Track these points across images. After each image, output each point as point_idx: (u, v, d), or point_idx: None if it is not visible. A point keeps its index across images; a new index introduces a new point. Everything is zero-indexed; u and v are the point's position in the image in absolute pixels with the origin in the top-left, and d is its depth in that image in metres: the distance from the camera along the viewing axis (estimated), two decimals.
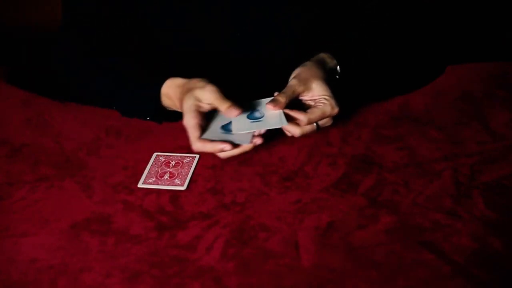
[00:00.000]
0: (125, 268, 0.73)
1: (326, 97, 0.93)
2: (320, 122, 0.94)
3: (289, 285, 0.70)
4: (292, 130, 0.92)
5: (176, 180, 0.89)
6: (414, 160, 0.91)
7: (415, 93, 1.09)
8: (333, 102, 0.93)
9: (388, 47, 1.10)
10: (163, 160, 0.93)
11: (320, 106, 0.93)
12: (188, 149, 0.96)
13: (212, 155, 0.94)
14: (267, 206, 0.83)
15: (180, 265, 0.73)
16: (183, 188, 0.87)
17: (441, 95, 1.08)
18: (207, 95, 0.91)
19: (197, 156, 0.94)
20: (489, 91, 1.09)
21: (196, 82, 0.93)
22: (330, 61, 1.02)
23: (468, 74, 1.14)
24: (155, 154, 0.95)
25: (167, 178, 0.89)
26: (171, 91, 0.96)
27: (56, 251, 0.76)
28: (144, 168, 0.91)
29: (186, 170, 0.91)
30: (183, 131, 1.00)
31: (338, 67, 1.02)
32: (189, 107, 0.90)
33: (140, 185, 0.88)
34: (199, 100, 0.91)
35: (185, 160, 0.93)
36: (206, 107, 0.91)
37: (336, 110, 0.93)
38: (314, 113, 0.92)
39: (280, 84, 0.97)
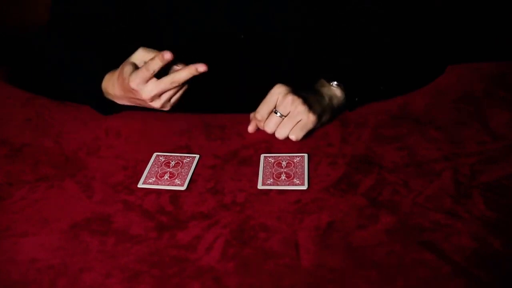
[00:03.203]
0: (125, 268, 0.73)
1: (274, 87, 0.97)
2: (282, 110, 0.96)
3: (289, 285, 0.70)
4: (252, 126, 1.00)
5: (176, 180, 0.89)
6: (414, 160, 0.91)
7: (415, 93, 1.09)
8: (277, 87, 0.97)
9: (388, 48, 1.10)
10: (163, 160, 0.93)
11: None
12: (188, 149, 0.96)
13: (212, 155, 0.94)
14: (267, 206, 0.83)
15: (180, 265, 0.73)
16: (183, 188, 0.87)
17: (441, 95, 1.08)
18: (138, 55, 0.96)
19: (197, 156, 0.94)
20: (489, 91, 1.09)
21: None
22: (335, 94, 1.02)
23: (468, 74, 1.14)
24: (155, 154, 0.95)
25: (167, 178, 0.89)
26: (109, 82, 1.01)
27: (56, 251, 0.76)
28: (144, 168, 0.91)
29: (186, 170, 0.91)
30: (183, 131, 1.01)
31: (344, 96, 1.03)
32: (127, 70, 0.95)
33: (140, 185, 0.88)
34: (134, 64, 0.96)
35: (185, 160, 0.93)
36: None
37: (281, 89, 0.96)
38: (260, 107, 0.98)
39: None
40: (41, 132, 1.01)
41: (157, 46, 1.17)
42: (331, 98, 1.01)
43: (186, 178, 0.89)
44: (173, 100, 0.97)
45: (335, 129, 1.00)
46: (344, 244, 0.75)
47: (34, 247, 0.77)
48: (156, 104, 0.96)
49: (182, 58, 1.15)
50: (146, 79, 0.93)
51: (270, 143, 0.97)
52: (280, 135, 0.97)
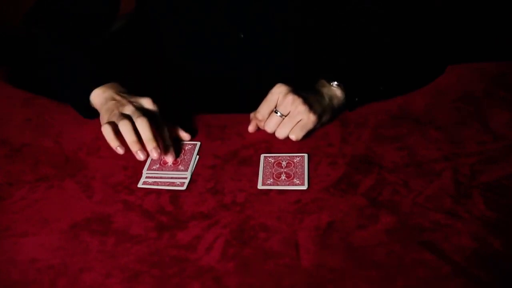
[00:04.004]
0: (125, 268, 0.73)
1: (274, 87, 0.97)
2: (282, 110, 0.96)
3: (289, 285, 0.70)
4: (252, 126, 0.99)
5: (180, 166, 0.90)
6: (414, 160, 0.91)
7: (415, 93, 1.09)
8: (277, 87, 0.97)
9: (388, 48, 1.10)
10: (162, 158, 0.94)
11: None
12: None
13: (212, 155, 0.94)
14: (267, 206, 0.83)
15: (180, 265, 0.73)
16: (183, 188, 0.87)
17: (441, 95, 1.08)
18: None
19: (198, 143, 0.96)
20: (489, 91, 1.09)
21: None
22: (335, 95, 1.02)
23: (468, 74, 1.14)
24: None
25: (170, 165, 0.91)
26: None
27: (56, 251, 0.76)
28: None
29: (188, 157, 0.92)
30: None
31: (344, 95, 1.03)
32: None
33: (140, 185, 0.88)
34: None
35: (186, 147, 0.95)
36: None
37: (282, 88, 0.96)
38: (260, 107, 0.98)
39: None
40: (41, 132, 1.01)
41: (157, 45, 1.18)
42: (331, 98, 1.01)
43: (190, 164, 0.91)
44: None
45: (335, 129, 1.00)
46: (344, 244, 0.75)
47: (34, 247, 0.77)
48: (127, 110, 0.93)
49: (182, 57, 1.15)
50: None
51: (270, 143, 0.97)
52: (280, 134, 0.97)
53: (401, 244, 0.75)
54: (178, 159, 0.92)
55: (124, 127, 0.90)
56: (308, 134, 0.97)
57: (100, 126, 0.97)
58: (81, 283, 0.72)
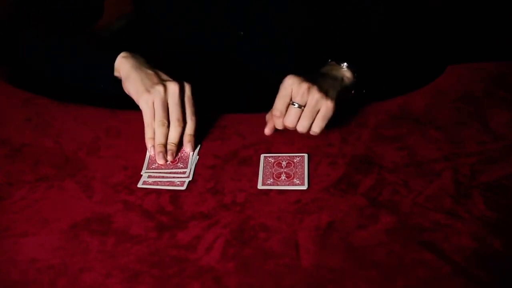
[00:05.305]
0: (125, 268, 0.73)
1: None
2: (299, 100, 0.92)
3: (289, 285, 0.70)
4: (269, 126, 0.96)
5: (179, 163, 0.91)
6: (414, 160, 0.91)
7: (415, 93, 1.09)
8: (288, 79, 0.93)
9: (389, 48, 1.10)
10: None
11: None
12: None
13: (212, 155, 0.94)
14: (267, 206, 0.83)
15: (180, 265, 0.73)
16: (183, 188, 0.87)
17: (441, 95, 1.08)
18: None
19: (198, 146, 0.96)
20: (489, 91, 1.09)
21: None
22: (345, 75, 0.99)
23: (468, 74, 1.14)
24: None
25: (169, 163, 0.91)
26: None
27: (56, 251, 0.76)
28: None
29: (186, 154, 0.93)
30: None
31: (354, 78, 1.00)
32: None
33: (140, 185, 0.88)
34: None
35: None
36: None
37: (293, 79, 0.92)
38: (275, 103, 0.94)
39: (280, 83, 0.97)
40: (41, 132, 1.01)
41: (157, 45, 1.18)
42: (342, 78, 0.98)
43: (188, 160, 0.92)
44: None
45: (335, 129, 1.00)
46: (344, 244, 0.75)
47: (34, 247, 0.77)
48: (158, 88, 0.94)
49: (182, 57, 1.15)
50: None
51: (270, 143, 0.97)
52: (303, 127, 0.92)
53: (401, 244, 0.75)
54: (176, 158, 0.92)
55: (159, 130, 0.93)
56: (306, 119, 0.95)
57: (100, 126, 0.97)
58: (81, 283, 0.72)
